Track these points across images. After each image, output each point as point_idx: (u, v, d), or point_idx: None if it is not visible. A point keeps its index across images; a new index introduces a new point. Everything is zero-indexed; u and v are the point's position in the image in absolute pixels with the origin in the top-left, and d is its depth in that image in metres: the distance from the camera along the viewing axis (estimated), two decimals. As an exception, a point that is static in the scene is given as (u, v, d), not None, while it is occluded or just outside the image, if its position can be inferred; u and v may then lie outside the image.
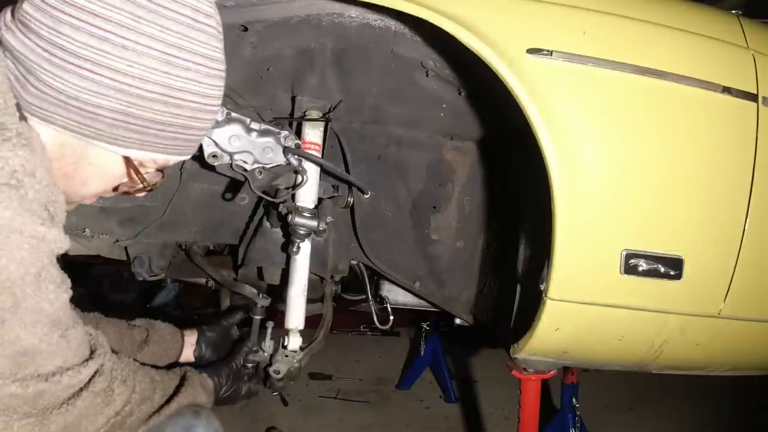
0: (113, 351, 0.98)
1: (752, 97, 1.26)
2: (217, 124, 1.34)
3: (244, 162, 1.38)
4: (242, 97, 1.44)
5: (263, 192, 1.41)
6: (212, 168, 1.38)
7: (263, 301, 1.50)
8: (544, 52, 1.16)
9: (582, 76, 1.18)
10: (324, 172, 1.52)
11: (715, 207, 1.26)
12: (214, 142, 1.35)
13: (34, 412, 0.82)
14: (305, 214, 1.42)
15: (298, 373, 1.45)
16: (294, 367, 1.44)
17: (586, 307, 1.26)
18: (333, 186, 1.68)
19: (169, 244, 1.72)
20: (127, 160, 0.90)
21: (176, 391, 1.09)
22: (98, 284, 4.48)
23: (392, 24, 1.29)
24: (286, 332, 1.46)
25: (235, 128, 1.36)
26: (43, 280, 0.77)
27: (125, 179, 0.95)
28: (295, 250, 1.42)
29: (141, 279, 1.68)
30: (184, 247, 1.77)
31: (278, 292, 1.59)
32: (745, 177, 1.25)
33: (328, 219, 1.45)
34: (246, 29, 1.26)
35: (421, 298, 1.91)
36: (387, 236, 1.75)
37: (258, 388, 1.40)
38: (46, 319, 0.79)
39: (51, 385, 0.82)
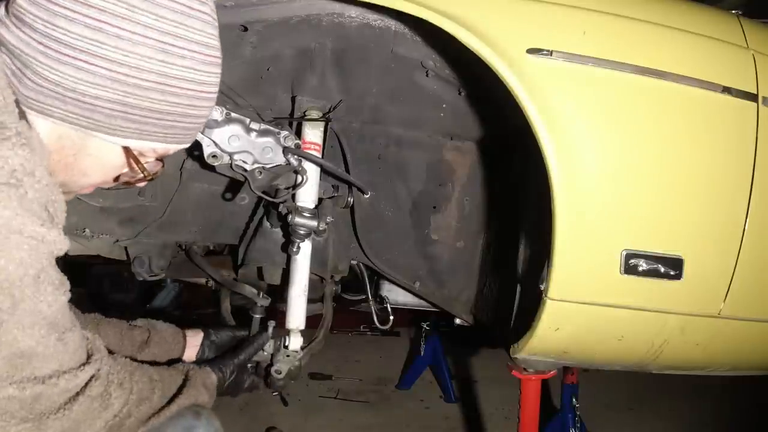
0: (111, 351, 0.98)
1: (752, 97, 1.26)
2: (217, 124, 1.34)
3: (244, 162, 1.38)
4: (242, 97, 1.44)
5: (263, 192, 1.41)
6: (212, 168, 1.38)
7: (263, 301, 1.50)
8: (544, 52, 1.16)
9: (582, 76, 1.18)
10: (324, 172, 1.52)
11: (715, 207, 1.26)
12: (214, 142, 1.34)
13: (31, 417, 0.81)
14: (305, 214, 1.41)
15: (298, 373, 1.45)
16: (295, 366, 1.44)
17: (586, 307, 1.26)
18: (333, 186, 1.67)
19: (169, 244, 1.72)
20: (127, 150, 0.90)
21: (178, 391, 1.07)
22: (98, 284, 4.48)
23: (392, 24, 1.29)
24: (287, 332, 1.46)
25: (235, 128, 1.36)
26: (41, 281, 0.77)
27: (125, 169, 0.95)
28: (295, 250, 1.41)
29: (141, 279, 1.68)
30: (184, 247, 1.77)
31: (278, 292, 1.59)
32: (745, 177, 1.25)
33: (328, 219, 1.45)
34: (246, 29, 1.26)
35: (421, 298, 1.91)
36: (387, 236, 1.75)
37: (259, 382, 1.40)
38: (43, 322, 0.78)
39: (48, 388, 0.81)
